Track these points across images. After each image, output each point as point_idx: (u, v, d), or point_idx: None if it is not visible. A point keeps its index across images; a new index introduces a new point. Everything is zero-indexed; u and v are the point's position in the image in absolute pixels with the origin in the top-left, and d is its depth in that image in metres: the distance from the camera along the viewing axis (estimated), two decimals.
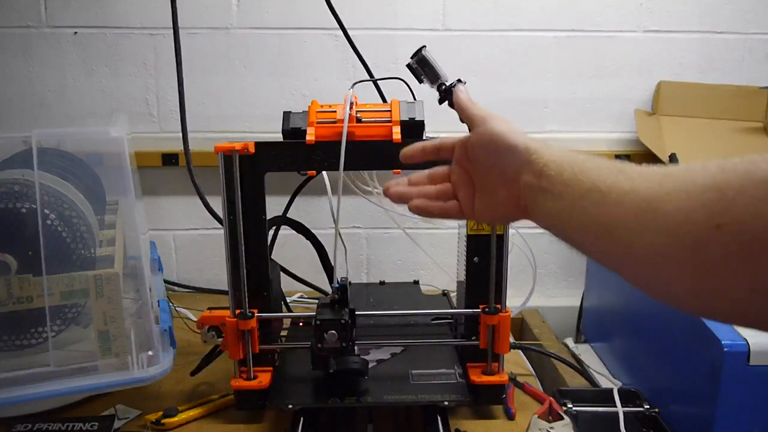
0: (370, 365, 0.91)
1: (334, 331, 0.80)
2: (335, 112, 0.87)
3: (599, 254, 0.46)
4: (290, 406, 0.82)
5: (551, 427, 0.83)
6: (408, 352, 0.98)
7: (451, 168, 0.60)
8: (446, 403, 0.84)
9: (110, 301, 0.83)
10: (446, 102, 0.97)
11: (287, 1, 1.32)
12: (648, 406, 0.92)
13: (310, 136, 0.84)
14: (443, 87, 0.97)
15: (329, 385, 0.87)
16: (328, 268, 1.09)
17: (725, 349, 0.75)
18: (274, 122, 0.91)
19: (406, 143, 0.84)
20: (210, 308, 0.89)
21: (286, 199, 1.12)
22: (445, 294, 1.22)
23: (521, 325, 1.36)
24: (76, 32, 1.32)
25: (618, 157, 1.36)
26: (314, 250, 1.08)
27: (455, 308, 1.08)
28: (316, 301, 1.31)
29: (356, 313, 0.84)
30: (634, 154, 1.36)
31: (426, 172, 0.62)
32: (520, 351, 1.11)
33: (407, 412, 0.88)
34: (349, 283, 0.88)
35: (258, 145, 0.84)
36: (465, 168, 0.59)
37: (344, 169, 0.83)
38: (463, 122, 0.97)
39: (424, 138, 0.88)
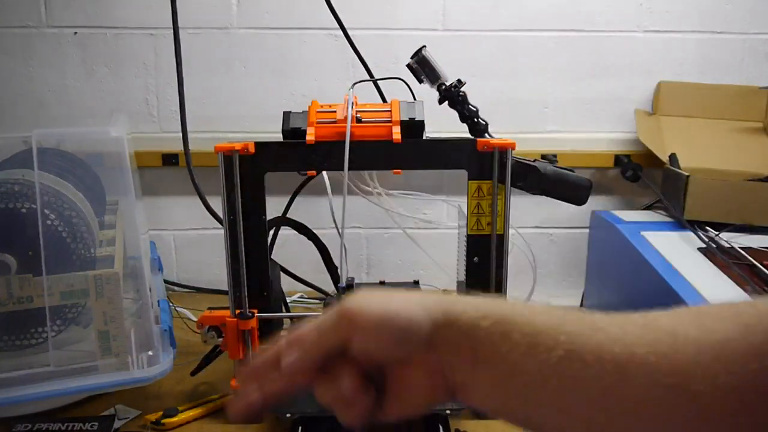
0: None
1: None
2: (335, 112, 0.87)
3: None
4: (288, 416, 0.81)
5: None
6: None
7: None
8: (448, 411, 0.83)
9: (110, 301, 0.83)
10: (446, 102, 0.98)
11: (287, 1, 1.32)
12: None
13: (310, 136, 0.84)
14: (443, 87, 0.97)
15: None
16: (332, 269, 1.09)
17: None
18: (274, 122, 0.91)
19: (406, 143, 0.84)
20: (210, 308, 0.89)
21: (286, 199, 1.12)
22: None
23: None
24: (76, 32, 1.32)
25: (618, 157, 1.37)
26: (315, 249, 1.08)
27: None
28: (316, 301, 1.32)
29: None
30: (634, 154, 1.36)
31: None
32: None
33: (408, 420, 0.87)
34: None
35: (258, 145, 0.84)
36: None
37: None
38: (463, 122, 0.98)
39: (424, 137, 0.87)
